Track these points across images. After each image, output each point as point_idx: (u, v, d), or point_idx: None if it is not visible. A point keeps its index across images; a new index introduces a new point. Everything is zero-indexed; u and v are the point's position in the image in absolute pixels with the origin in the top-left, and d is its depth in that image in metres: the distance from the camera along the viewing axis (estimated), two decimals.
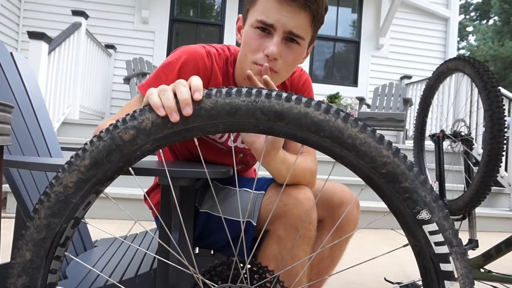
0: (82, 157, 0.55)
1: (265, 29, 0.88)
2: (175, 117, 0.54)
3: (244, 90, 0.55)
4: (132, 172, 0.59)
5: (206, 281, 0.64)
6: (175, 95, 0.56)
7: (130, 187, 2.96)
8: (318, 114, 0.54)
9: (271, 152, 0.85)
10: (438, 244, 0.54)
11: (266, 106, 0.54)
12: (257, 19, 0.87)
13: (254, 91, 0.55)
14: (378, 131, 0.55)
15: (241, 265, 0.66)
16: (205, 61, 0.95)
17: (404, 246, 0.59)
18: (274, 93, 0.54)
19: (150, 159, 0.74)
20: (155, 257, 1.05)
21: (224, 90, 0.55)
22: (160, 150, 0.58)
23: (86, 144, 0.55)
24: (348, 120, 0.54)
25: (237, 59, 1.00)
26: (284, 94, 0.55)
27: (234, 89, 0.55)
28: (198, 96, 0.55)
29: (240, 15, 0.98)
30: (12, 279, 0.55)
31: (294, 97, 0.55)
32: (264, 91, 0.55)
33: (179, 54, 0.94)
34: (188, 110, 0.54)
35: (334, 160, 0.56)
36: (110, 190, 2.82)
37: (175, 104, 0.55)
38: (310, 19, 0.87)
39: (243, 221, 0.91)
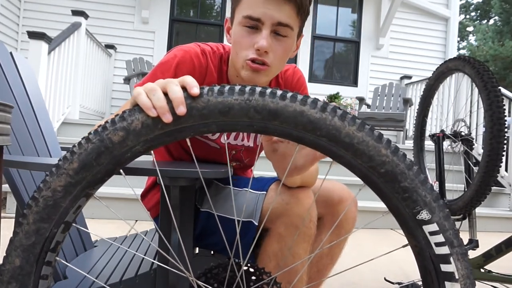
0: (70, 160, 0.52)
1: (253, 26, 0.89)
2: (168, 118, 0.52)
3: (237, 88, 0.53)
4: (123, 173, 0.57)
5: (202, 284, 0.63)
6: (165, 94, 0.54)
7: (130, 187, 2.95)
8: (314, 112, 0.52)
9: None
10: (438, 244, 0.52)
11: (260, 104, 0.52)
12: (244, 15, 0.88)
13: (247, 89, 0.53)
14: (377, 131, 0.54)
15: (237, 267, 0.65)
16: (200, 59, 0.96)
17: (404, 246, 0.58)
18: (268, 91, 0.52)
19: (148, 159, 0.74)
20: (155, 257, 1.04)
21: (216, 88, 0.53)
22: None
23: (74, 146, 0.53)
24: (346, 118, 0.52)
25: (229, 58, 1.01)
26: (279, 92, 0.53)
27: (227, 87, 0.53)
28: (196, 90, 0.53)
29: (228, 17, 0.99)
30: (2, 286, 0.53)
31: (289, 94, 0.53)
32: (258, 89, 0.53)
33: (174, 53, 0.95)
34: (182, 110, 0.52)
35: (331, 160, 0.55)
36: (110, 190, 2.81)
37: (167, 103, 0.53)
38: (295, 10, 0.88)
39: (243, 221, 0.91)
